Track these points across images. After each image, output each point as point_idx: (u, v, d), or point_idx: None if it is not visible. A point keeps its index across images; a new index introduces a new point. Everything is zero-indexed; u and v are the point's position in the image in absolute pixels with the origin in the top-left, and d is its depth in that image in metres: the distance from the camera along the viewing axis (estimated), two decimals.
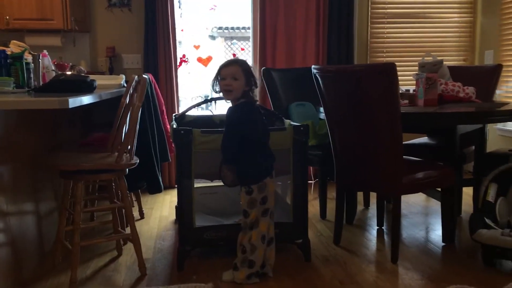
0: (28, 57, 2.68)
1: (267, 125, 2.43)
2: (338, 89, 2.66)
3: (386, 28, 4.63)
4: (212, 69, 7.94)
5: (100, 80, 2.82)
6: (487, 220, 2.54)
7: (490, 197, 2.65)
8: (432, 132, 3.44)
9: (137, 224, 3.16)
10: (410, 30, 4.66)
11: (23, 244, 2.36)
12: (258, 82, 2.31)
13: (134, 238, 2.46)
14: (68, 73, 3.23)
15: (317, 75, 2.71)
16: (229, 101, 2.32)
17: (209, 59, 8.27)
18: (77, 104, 1.94)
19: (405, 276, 2.43)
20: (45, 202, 2.72)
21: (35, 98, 1.98)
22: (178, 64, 4.41)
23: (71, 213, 2.48)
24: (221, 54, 9.23)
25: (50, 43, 3.96)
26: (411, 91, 3.18)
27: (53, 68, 3.13)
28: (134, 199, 3.58)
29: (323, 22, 4.33)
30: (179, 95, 4.45)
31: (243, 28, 9.26)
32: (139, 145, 2.68)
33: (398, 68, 2.37)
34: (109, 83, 3.21)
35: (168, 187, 4.30)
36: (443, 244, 2.86)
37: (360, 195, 3.65)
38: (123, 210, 2.79)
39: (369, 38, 4.58)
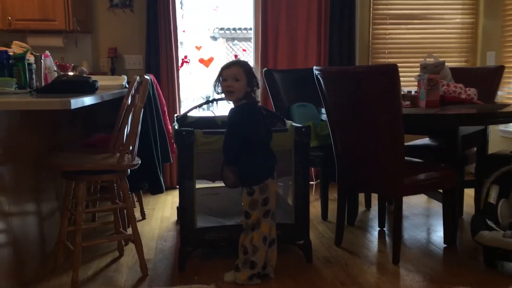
0: (30, 58, 2.68)
1: (269, 126, 2.43)
2: (339, 90, 2.66)
3: (388, 29, 4.63)
4: (214, 70, 7.94)
5: (102, 81, 2.83)
6: (488, 222, 2.54)
7: (492, 198, 2.64)
8: (433, 134, 3.43)
9: (139, 224, 3.15)
10: (412, 31, 4.66)
11: (25, 245, 2.37)
12: (260, 83, 2.31)
13: (136, 239, 2.46)
14: (70, 73, 3.23)
15: (319, 76, 2.71)
16: (231, 102, 2.32)
17: (210, 60, 8.27)
18: (79, 105, 1.94)
19: (407, 278, 2.43)
20: (47, 202, 2.72)
21: (37, 99, 1.98)
22: (179, 65, 4.42)
23: (73, 214, 2.48)
24: (222, 55, 9.23)
25: (52, 43, 3.97)
26: (412, 93, 3.18)
27: (55, 68, 3.13)
28: (135, 199, 3.58)
29: (324, 23, 4.33)
30: (181, 96, 4.45)
31: (245, 29, 9.25)
32: (140, 146, 2.68)
33: (399, 70, 2.37)
34: (111, 83, 3.22)
35: (170, 187, 4.31)
36: (445, 245, 2.85)
37: (361, 196, 3.65)
38: (125, 211, 2.78)
39: (370, 39, 4.58)
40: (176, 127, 2.72)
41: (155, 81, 3.57)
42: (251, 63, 4.04)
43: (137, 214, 3.40)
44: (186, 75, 6.65)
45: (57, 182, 2.87)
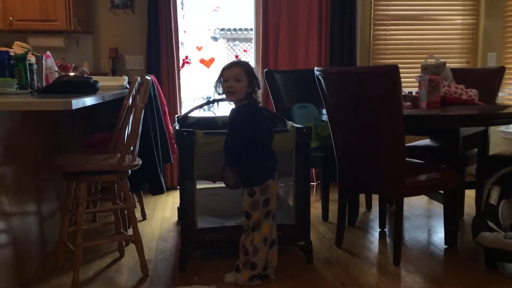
0: (32, 58, 2.68)
1: (270, 127, 2.43)
2: (340, 91, 2.66)
3: (389, 30, 4.63)
4: (215, 70, 7.95)
5: (103, 81, 2.83)
6: (489, 223, 2.53)
7: (493, 199, 2.64)
8: (434, 135, 3.43)
9: (139, 225, 3.15)
10: (413, 32, 4.66)
11: (26, 245, 2.37)
12: (261, 83, 2.31)
13: (136, 240, 2.46)
14: (71, 74, 3.24)
15: (319, 77, 2.71)
16: (232, 102, 2.32)
17: (211, 60, 8.27)
18: (80, 106, 1.94)
19: (407, 279, 2.43)
20: (48, 203, 2.72)
21: (39, 99, 1.98)
22: (180, 65, 4.42)
23: (74, 214, 2.48)
24: (223, 55, 9.23)
25: (53, 44, 3.97)
26: (413, 93, 3.18)
27: (56, 69, 3.13)
28: (136, 200, 3.58)
29: (325, 21, 4.32)
30: (182, 96, 4.45)
31: (246, 29, 9.26)
32: (141, 146, 2.68)
33: (400, 70, 2.37)
34: (112, 84, 3.22)
35: (170, 188, 4.31)
36: (445, 246, 2.85)
37: (362, 197, 3.64)
38: (125, 212, 2.79)
39: (371, 39, 4.58)
40: (177, 127, 2.72)
41: (156, 81, 3.57)
42: (252, 63, 4.04)
43: (138, 214, 3.40)
44: (187, 75, 6.65)
45: (58, 183, 2.87)
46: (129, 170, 2.45)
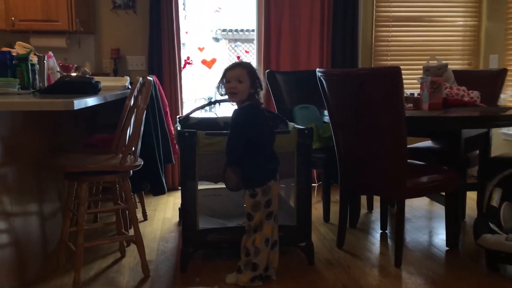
0: (33, 59, 2.69)
1: (272, 128, 2.43)
2: (342, 93, 2.66)
3: (391, 32, 4.62)
4: (216, 71, 7.95)
5: (104, 82, 2.83)
6: (491, 225, 2.53)
7: (495, 201, 2.64)
8: (436, 136, 3.43)
9: (141, 225, 3.15)
10: (415, 33, 4.65)
11: (27, 245, 2.37)
12: (263, 84, 2.31)
13: (138, 240, 2.46)
14: (73, 74, 3.24)
15: (321, 78, 2.71)
16: (234, 103, 2.32)
17: (213, 61, 8.28)
18: (82, 106, 1.95)
19: (409, 281, 2.42)
20: (49, 203, 2.72)
21: (41, 100, 1.98)
22: (182, 66, 4.42)
23: (75, 214, 2.48)
24: (225, 56, 9.24)
25: (55, 44, 3.98)
26: (415, 95, 3.18)
27: (58, 69, 3.14)
28: (137, 200, 3.58)
29: (327, 22, 4.32)
30: (183, 97, 4.46)
31: (247, 30, 9.27)
32: (143, 146, 2.68)
33: (402, 72, 2.37)
34: (113, 84, 3.23)
35: (172, 189, 4.31)
36: (447, 248, 2.85)
37: (363, 199, 3.64)
38: (127, 212, 2.79)
39: (373, 41, 4.58)
40: (179, 128, 2.72)
41: (158, 82, 3.57)
42: (254, 64, 4.04)
43: (139, 215, 3.40)
44: (188, 76, 6.65)
45: (59, 183, 2.87)
46: (131, 171, 2.45)
